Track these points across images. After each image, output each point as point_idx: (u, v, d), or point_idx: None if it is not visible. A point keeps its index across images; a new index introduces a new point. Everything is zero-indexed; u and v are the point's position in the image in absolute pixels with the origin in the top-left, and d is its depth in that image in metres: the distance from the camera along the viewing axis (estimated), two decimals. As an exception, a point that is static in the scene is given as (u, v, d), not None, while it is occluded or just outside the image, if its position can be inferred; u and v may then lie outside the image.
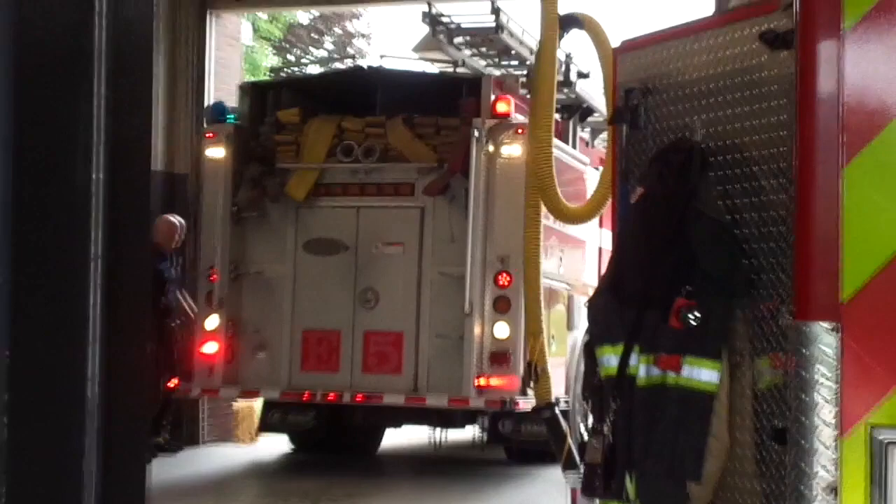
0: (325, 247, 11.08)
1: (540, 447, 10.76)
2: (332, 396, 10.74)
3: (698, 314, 3.93)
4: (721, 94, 4.19)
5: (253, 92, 12.17)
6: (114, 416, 2.95)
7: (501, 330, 10.24)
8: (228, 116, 11.70)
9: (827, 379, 2.68)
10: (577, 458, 5.25)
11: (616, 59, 4.93)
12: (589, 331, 4.66)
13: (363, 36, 28.15)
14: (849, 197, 2.69)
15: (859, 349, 2.65)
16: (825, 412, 2.68)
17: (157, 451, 11.32)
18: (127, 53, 3.01)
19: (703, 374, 3.92)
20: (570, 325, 11.30)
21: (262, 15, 24.15)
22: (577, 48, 11.25)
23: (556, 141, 11.35)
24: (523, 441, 11.02)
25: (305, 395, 10.92)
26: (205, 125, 12.01)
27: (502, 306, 10.26)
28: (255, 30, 24.40)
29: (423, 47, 12.01)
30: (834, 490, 2.67)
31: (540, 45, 9.05)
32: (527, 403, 10.01)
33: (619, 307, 4.28)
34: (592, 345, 4.44)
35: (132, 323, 3.11)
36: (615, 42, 5.22)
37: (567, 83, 11.75)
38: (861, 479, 2.66)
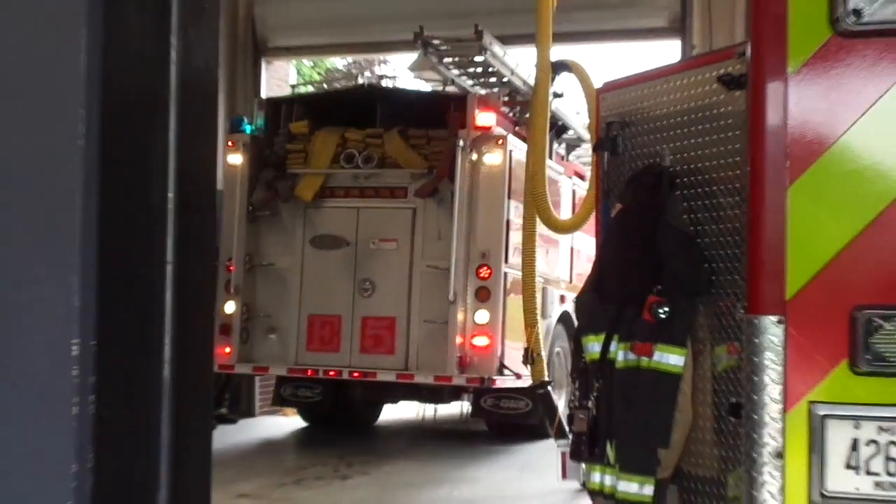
0: (329, 242, 10.86)
1: (517, 420, 11.06)
2: (332, 373, 10.65)
3: (667, 309, 3.94)
4: (686, 126, 4.20)
5: (268, 106, 11.88)
6: (185, 393, 2.96)
7: (482, 316, 10.06)
8: (246, 127, 11.49)
9: (774, 363, 2.68)
10: (567, 429, 5.23)
11: (599, 98, 4.94)
12: (577, 323, 4.66)
13: (390, 78, 28.24)
14: (792, 212, 2.69)
15: (801, 338, 2.65)
16: (772, 391, 2.68)
17: (218, 421, 11.34)
18: (195, 95, 3.02)
19: (671, 358, 3.93)
20: (543, 314, 10.76)
21: (306, 61, 24.44)
22: (566, 87, 11.02)
23: None
24: (502, 415, 10.96)
25: (309, 372, 10.83)
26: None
27: (483, 295, 10.08)
28: (298, 73, 24.51)
29: (416, 67, 11.73)
30: (780, 455, 2.67)
31: (535, 86, 9.05)
32: (503, 381, 10.18)
33: (602, 303, 4.30)
34: (579, 335, 4.46)
35: (200, 316, 3.13)
36: (598, 83, 5.21)
37: None
38: (803, 446, 2.66)
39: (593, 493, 4.34)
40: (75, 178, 2.62)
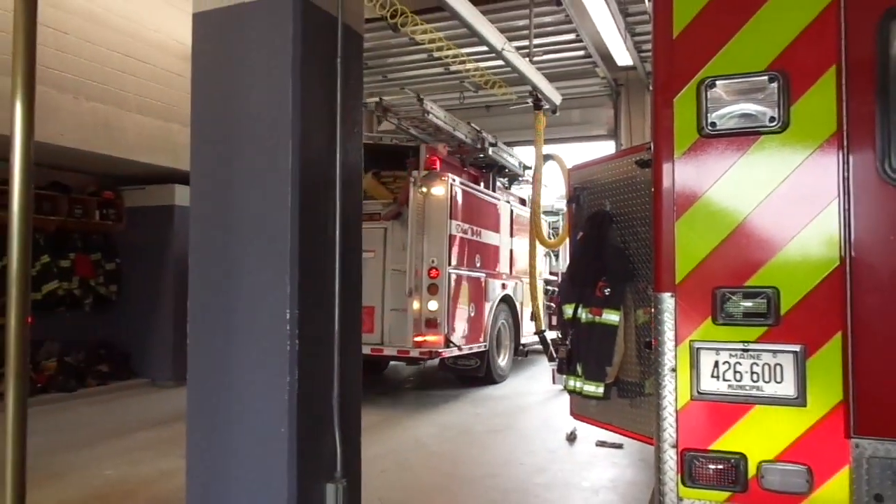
0: None
1: (469, 374, 9.24)
2: None
3: (609, 290, 3.90)
4: (619, 188, 4.15)
5: None
6: (346, 338, 2.98)
7: (433, 305, 8.14)
8: None
9: (669, 319, 2.63)
10: (555, 356, 5.18)
11: (570, 174, 4.90)
12: (559, 297, 4.62)
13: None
14: (678, 235, 2.65)
15: (684, 305, 2.60)
16: (669, 335, 2.63)
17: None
18: (350, 177, 3.05)
19: (612, 317, 3.89)
20: (485, 297, 9.21)
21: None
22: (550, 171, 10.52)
23: (477, 187, 9.32)
24: (459, 370, 9.21)
25: None
26: None
27: (433, 290, 8.13)
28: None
29: (383, 127, 10.12)
30: (674, 370, 2.62)
31: (534, 169, 9.00)
32: (448, 353, 8.26)
33: (572, 286, 4.26)
34: (560, 304, 4.42)
35: (354, 295, 3.14)
36: (570, 164, 5.17)
37: (483, 150, 9.58)
38: (686, 365, 2.61)
39: (570, 392, 4.30)
40: (286, 222, 2.68)
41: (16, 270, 2.13)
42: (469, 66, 10.36)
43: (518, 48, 8.45)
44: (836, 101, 2.47)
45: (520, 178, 11.45)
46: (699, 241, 2.62)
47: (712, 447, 2.57)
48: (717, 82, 2.61)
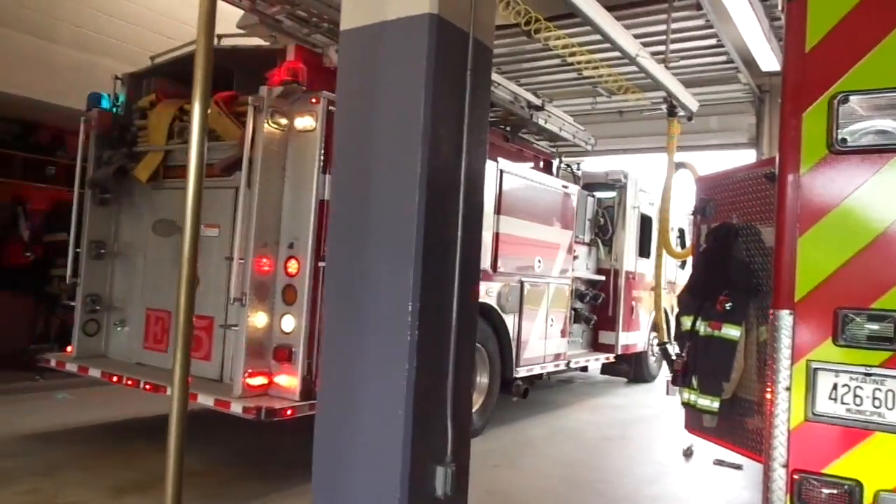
0: (165, 228, 5.53)
1: None
2: (130, 383, 5.04)
3: (731, 304, 3.82)
4: (746, 201, 4.06)
5: (130, 81, 5.94)
6: (462, 336, 3.15)
7: (287, 323, 4.63)
8: (102, 105, 5.74)
9: (787, 337, 2.58)
10: (671, 368, 5.09)
11: (697, 184, 4.82)
12: (677, 309, 4.55)
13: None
14: (801, 252, 2.60)
15: (802, 323, 2.55)
16: (786, 353, 2.59)
17: None
18: (472, 180, 3.22)
19: (732, 331, 3.81)
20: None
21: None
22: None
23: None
24: None
25: (114, 379, 5.14)
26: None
27: (289, 296, 4.67)
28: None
29: (242, 22, 5.42)
30: (788, 389, 2.57)
31: (665, 178, 8.75)
32: (300, 411, 4.53)
33: (692, 298, 4.19)
34: (679, 315, 4.36)
35: (472, 297, 3.30)
36: (701, 174, 5.07)
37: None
38: (802, 385, 2.55)
39: (684, 405, 4.24)
40: (413, 223, 2.89)
41: (187, 254, 2.49)
42: (602, 71, 10.23)
43: (654, 53, 8.28)
44: (984, 118, 2.34)
45: (529, 126, 7.93)
46: (823, 259, 2.55)
47: (826, 471, 2.50)
48: (851, 97, 2.53)
